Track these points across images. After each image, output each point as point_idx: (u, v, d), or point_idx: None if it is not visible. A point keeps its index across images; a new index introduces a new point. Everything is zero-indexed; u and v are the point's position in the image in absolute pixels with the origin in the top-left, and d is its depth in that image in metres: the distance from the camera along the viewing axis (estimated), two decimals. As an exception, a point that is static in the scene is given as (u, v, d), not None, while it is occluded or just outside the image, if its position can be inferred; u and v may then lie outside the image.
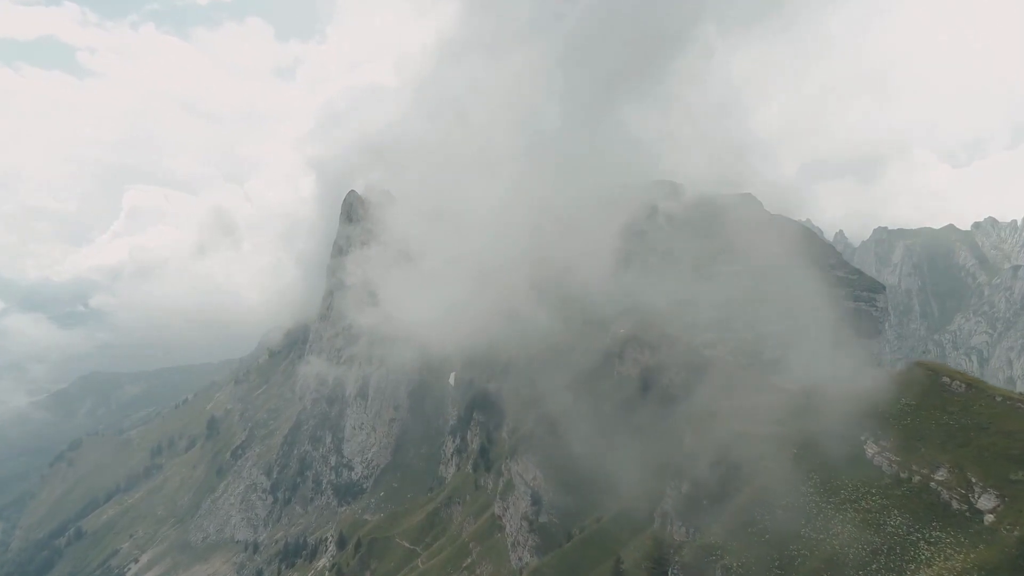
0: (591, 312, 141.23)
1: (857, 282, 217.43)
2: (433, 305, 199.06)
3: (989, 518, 49.64)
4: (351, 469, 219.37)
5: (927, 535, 51.21)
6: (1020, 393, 62.88)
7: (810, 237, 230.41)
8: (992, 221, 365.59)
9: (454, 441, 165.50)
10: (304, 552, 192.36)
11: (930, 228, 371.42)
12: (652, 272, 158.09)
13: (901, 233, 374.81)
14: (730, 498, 62.33)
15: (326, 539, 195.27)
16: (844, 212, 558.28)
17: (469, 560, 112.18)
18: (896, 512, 53.27)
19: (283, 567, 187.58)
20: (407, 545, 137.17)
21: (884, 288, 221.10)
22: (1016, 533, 46.15)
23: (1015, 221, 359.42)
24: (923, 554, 50.31)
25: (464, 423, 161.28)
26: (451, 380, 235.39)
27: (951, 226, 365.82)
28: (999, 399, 58.60)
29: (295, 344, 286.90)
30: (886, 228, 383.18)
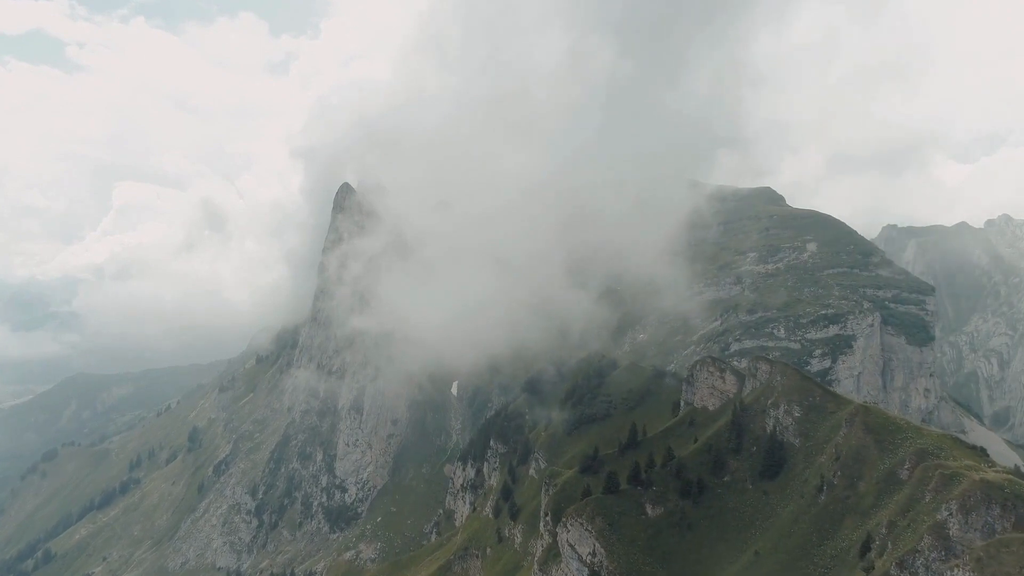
0: (651, 303, 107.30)
1: (904, 283, 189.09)
2: (440, 304, 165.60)
3: None
4: (344, 491, 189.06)
5: None
6: None
7: (850, 235, 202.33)
8: (1006, 218, 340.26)
9: (464, 470, 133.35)
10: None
11: (942, 226, 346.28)
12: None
13: (911, 231, 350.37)
14: None
15: (314, 574, 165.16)
16: (852, 207, 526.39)
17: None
18: None
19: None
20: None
21: (933, 290, 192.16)
22: None
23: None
24: None
25: (478, 451, 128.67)
26: (453, 390, 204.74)
27: (964, 223, 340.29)
28: None
29: (284, 348, 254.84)
30: (895, 226, 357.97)
